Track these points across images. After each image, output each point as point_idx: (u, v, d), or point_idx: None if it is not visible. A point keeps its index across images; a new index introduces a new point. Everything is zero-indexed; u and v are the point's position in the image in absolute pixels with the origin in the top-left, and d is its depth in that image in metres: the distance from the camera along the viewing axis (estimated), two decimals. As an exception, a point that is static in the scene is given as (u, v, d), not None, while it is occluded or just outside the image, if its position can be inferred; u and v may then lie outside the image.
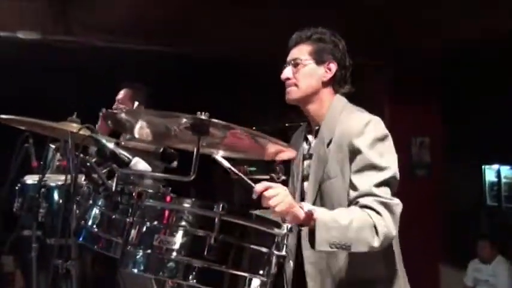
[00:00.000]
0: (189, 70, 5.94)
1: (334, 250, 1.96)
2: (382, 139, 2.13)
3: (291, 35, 2.33)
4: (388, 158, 2.11)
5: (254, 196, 1.89)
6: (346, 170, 2.13)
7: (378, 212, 2.00)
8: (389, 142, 2.16)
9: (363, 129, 2.11)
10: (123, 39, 5.17)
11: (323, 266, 2.18)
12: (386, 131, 2.16)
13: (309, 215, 1.94)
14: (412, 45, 5.33)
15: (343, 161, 2.14)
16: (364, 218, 1.99)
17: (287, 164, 2.57)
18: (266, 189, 1.88)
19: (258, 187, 1.88)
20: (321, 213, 1.96)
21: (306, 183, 2.27)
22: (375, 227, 1.98)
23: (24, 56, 5.13)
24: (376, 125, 2.15)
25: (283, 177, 2.59)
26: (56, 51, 5.22)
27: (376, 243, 1.98)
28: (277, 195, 1.88)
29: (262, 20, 5.03)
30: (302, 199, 2.27)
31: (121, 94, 3.84)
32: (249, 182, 1.95)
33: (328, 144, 2.19)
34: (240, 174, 2.00)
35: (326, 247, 1.95)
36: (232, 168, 2.01)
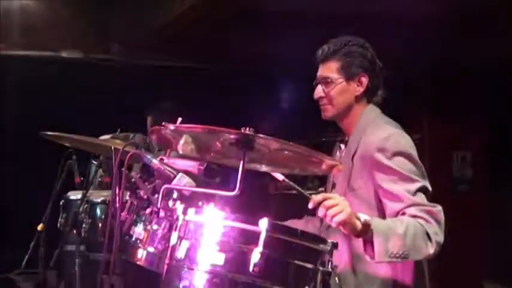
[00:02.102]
0: (227, 86, 5.97)
1: (394, 260, 1.94)
2: (403, 153, 2.11)
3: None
4: (413, 171, 2.09)
5: (310, 206, 1.89)
6: (369, 183, 2.13)
7: (426, 220, 1.99)
8: (412, 154, 2.13)
9: (383, 144, 2.11)
10: (162, 56, 5.25)
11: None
12: (409, 144, 2.15)
13: (366, 226, 1.93)
14: (453, 58, 5.26)
15: (367, 174, 2.14)
16: (416, 226, 1.98)
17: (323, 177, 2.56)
18: (325, 199, 1.89)
19: (316, 197, 1.89)
20: (377, 224, 1.95)
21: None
22: (427, 234, 1.97)
23: (67, 74, 5.24)
24: (397, 139, 2.14)
25: (322, 188, 2.59)
26: (97, 69, 5.32)
27: (431, 250, 1.97)
28: (336, 206, 1.88)
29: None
30: None
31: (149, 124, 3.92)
32: (305, 192, 1.95)
33: (353, 157, 2.20)
34: (296, 186, 1.99)
35: (386, 258, 1.93)
36: (287, 180, 2.01)
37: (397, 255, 1.93)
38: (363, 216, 1.94)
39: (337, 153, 2.37)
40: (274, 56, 5.21)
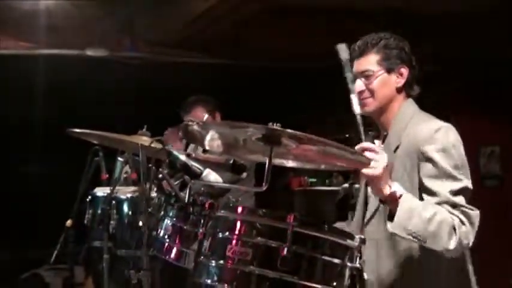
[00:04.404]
0: (252, 82, 5.97)
1: (409, 238, 1.93)
2: (453, 147, 2.08)
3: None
4: (460, 167, 2.07)
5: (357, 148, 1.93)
6: (414, 177, 2.10)
7: (460, 219, 1.97)
8: (461, 150, 2.11)
9: (432, 136, 2.08)
10: (186, 53, 5.27)
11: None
12: (458, 139, 2.12)
13: (394, 196, 1.94)
14: (478, 50, 5.18)
15: (411, 168, 2.10)
16: (446, 217, 1.96)
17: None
18: (369, 149, 1.93)
19: (364, 144, 1.94)
20: (406, 199, 1.95)
21: (370, 188, 2.22)
22: (454, 229, 1.95)
23: (93, 73, 5.29)
24: (447, 132, 2.10)
25: (346, 185, 2.56)
26: (122, 67, 5.36)
27: (450, 245, 1.93)
28: (373, 161, 1.90)
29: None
30: (366, 203, 2.26)
31: (192, 112, 3.89)
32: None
33: (395, 150, 2.17)
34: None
35: (402, 233, 1.93)
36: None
37: (414, 235, 1.92)
38: (398, 188, 1.95)
39: None
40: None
